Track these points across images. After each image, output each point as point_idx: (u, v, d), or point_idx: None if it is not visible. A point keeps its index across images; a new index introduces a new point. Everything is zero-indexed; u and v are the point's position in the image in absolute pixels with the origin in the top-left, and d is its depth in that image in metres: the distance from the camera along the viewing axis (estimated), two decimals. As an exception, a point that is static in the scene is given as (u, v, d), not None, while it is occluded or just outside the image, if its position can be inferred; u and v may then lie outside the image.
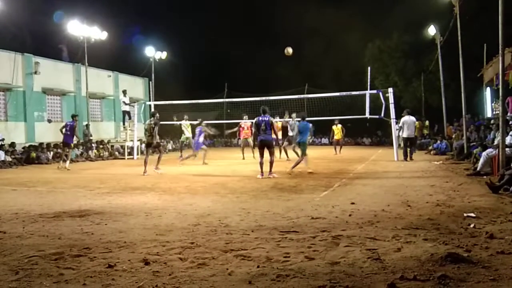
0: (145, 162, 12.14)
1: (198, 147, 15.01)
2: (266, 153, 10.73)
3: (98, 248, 4.24)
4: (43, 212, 6.32)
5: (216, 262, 3.77)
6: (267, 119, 10.74)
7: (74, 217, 5.96)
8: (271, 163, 10.71)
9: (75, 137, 14.82)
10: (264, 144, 10.68)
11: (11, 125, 18.94)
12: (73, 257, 3.96)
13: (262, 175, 10.56)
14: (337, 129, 20.37)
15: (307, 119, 12.06)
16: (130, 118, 20.22)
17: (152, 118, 12.48)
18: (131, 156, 19.48)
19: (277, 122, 16.13)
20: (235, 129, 17.96)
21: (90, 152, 19.15)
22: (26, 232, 5.08)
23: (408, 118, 15.91)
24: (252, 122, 14.66)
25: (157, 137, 12.48)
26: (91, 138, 20.67)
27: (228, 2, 42.13)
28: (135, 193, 8.35)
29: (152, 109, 20.45)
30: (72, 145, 15.14)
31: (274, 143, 11.47)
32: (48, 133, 20.52)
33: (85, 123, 21.38)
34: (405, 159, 15.40)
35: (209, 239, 4.55)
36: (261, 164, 10.74)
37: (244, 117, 17.59)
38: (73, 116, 14.72)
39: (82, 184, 9.96)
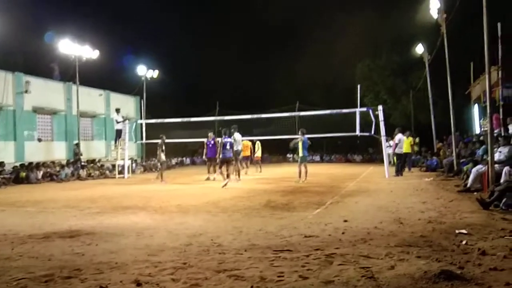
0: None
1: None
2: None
3: (89, 269, 4.17)
4: (32, 233, 6.20)
5: (209, 283, 3.73)
6: (231, 140, 13.53)
7: (65, 237, 5.86)
8: (228, 175, 13.21)
9: None
10: (225, 159, 13.33)
11: (0, 145, 18.74)
12: (64, 279, 3.89)
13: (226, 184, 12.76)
14: (257, 145, 20.18)
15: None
16: (120, 137, 20.05)
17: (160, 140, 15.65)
18: (122, 175, 19.32)
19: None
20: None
21: (80, 171, 18.97)
22: (15, 253, 4.98)
23: (401, 136, 16.35)
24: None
25: (162, 154, 15.56)
26: (81, 157, 20.50)
27: (220, 22, 42.66)
28: (126, 213, 8.26)
29: (144, 127, 20.47)
30: None
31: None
32: (38, 152, 20.33)
33: (75, 142, 21.23)
34: (397, 174, 15.58)
35: (201, 259, 4.50)
36: (224, 174, 13.24)
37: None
38: None
39: (72, 204, 9.83)
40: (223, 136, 13.47)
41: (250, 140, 19.43)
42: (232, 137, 13.88)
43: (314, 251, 4.73)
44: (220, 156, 13.36)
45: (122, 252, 4.91)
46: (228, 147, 13.28)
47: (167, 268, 4.18)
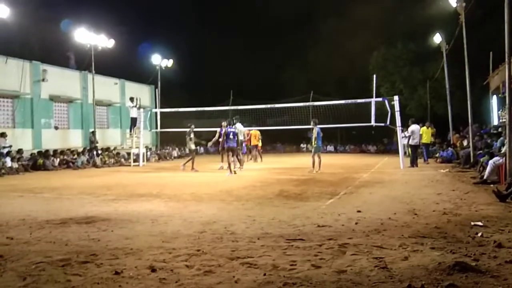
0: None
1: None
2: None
3: (104, 255, 4.25)
4: (50, 219, 6.35)
5: (222, 270, 3.77)
6: (234, 130, 13.94)
7: (81, 223, 5.98)
8: (230, 163, 13.72)
9: None
10: (230, 148, 13.76)
11: (18, 132, 19.07)
12: (80, 263, 3.97)
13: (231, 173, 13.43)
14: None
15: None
16: (135, 125, 20.29)
17: (189, 129, 16.03)
18: (137, 163, 19.54)
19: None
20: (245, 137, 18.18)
21: (96, 159, 19.23)
22: (33, 238, 5.10)
23: (415, 127, 16.11)
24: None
25: (190, 143, 15.93)
26: (97, 145, 20.77)
27: (233, 13, 42.44)
28: (141, 200, 8.38)
29: (158, 116, 20.61)
30: None
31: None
32: (55, 140, 20.65)
33: (91, 130, 21.51)
34: (412, 165, 15.44)
35: (215, 247, 4.55)
36: (230, 164, 13.63)
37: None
38: None
39: (88, 190, 10.00)
40: (227, 126, 14.02)
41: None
42: (234, 127, 14.25)
43: (327, 241, 4.73)
44: (225, 145, 13.87)
45: (137, 239, 4.99)
46: (231, 136, 13.74)
47: (181, 254, 4.23)
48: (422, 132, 16.68)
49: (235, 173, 13.56)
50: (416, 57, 29.86)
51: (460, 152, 16.25)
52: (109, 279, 3.53)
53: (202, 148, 33.86)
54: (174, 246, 4.58)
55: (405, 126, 17.41)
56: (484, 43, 19.36)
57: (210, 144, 17.15)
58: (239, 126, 15.13)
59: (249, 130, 19.18)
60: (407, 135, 16.84)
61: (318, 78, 35.30)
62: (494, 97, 20.10)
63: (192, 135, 16.00)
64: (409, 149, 16.99)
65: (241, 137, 15.39)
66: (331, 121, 18.32)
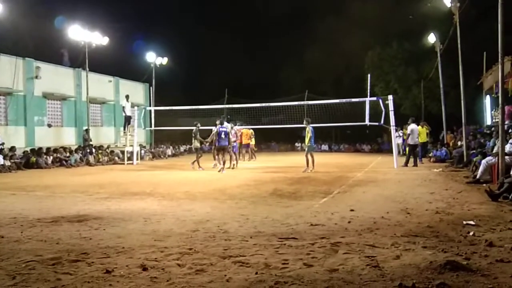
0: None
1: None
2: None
3: (96, 253, 4.23)
4: (41, 217, 6.30)
5: (214, 269, 3.75)
6: (225, 129, 14.33)
7: (73, 222, 5.94)
8: (225, 161, 14.32)
9: None
10: (221, 147, 14.28)
11: (11, 129, 18.92)
12: (71, 262, 3.94)
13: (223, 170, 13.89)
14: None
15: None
16: (129, 124, 20.24)
17: (195, 127, 15.90)
18: (131, 162, 19.45)
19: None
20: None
21: (89, 157, 19.12)
22: (24, 236, 5.06)
23: (414, 126, 16.12)
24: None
25: (196, 142, 15.84)
26: (90, 143, 20.66)
27: (229, 11, 42.38)
28: (134, 198, 8.34)
29: (153, 114, 20.53)
30: None
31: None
32: (48, 137, 20.51)
33: (85, 128, 21.39)
34: (406, 165, 15.45)
35: (207, 245, 4.53)
36: (222, 162, 14.19)
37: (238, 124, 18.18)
38: None
39: (81, 189, 9.94)
40: (219, 126, 14.31)
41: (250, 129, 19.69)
42: (225, 127, 14.49)
43: (319, 240, 4.73)
44: (216, 144, 14.34)
45: (129, 237, 4.96)
46: (223, 136, 14.16)
47: (173, 253, 4.22)
48: (419, 132, 16.71)
49: (221, 168, 13.91)
50: (411, 57, 29.95)
51: (453, 152, 16.32)
52: (100, 278, 3.51)
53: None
54: (166, 245, 4.56)
55: (399, 125, 17.45)
56: (478, 43, 19.43)
57: (207, 141, 17.11)
58: (226, 125, 15.27)
59: (241, 128, 19.18)
60: (401, 134, 16.88)
61: (314, 77, 35.29)
62: (488, 97, 20.23)
63: (198, 134, 15.96)
64: (407, 148, 16.98)
65: (230, 136, 15.45)
66: (325, 120, 18.31)
